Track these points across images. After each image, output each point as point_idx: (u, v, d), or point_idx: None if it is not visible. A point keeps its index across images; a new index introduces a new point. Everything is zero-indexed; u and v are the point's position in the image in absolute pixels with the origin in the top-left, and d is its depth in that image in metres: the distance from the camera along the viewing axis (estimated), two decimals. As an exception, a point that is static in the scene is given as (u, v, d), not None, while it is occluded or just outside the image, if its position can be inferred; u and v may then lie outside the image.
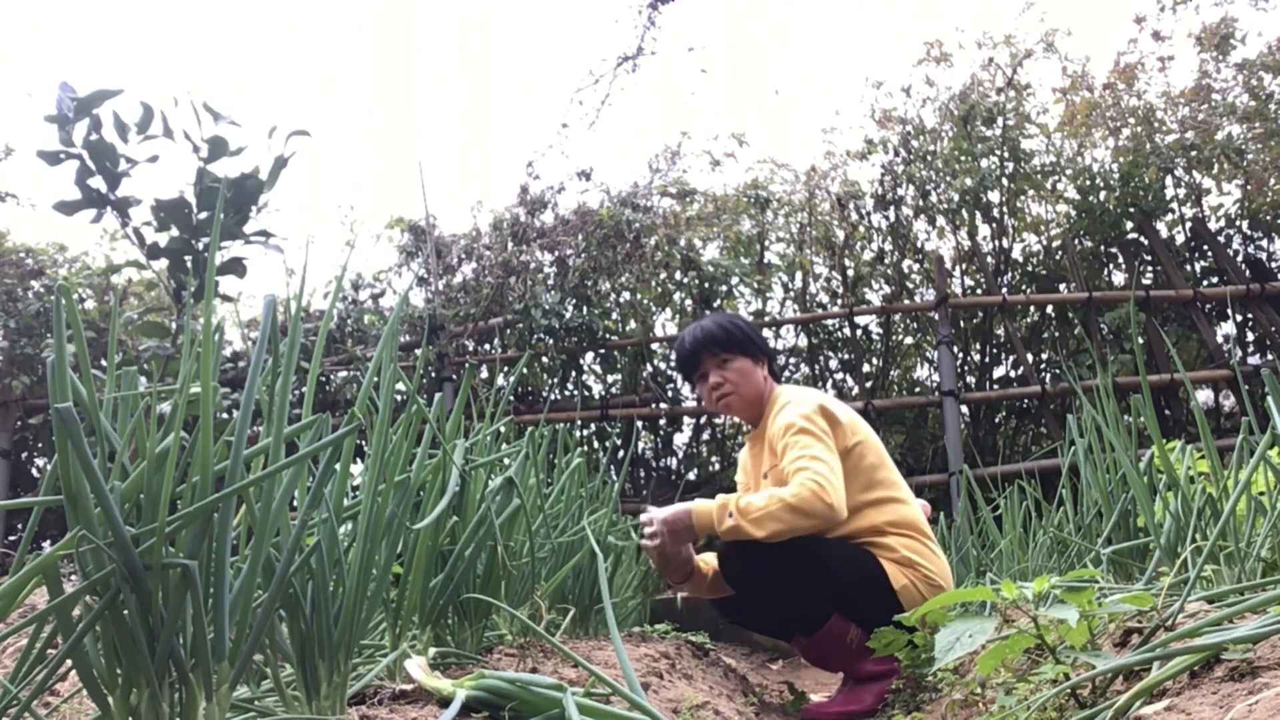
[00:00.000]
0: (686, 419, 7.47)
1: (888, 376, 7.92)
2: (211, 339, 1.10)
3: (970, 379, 7.74)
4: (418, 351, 6.98)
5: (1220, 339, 7.41)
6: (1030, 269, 7.98)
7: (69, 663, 1.05)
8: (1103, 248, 7.83)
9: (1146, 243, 7.66)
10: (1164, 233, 7.80)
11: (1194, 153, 7.54)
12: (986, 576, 3.34)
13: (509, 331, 7.22)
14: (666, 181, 7.70)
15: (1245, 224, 7.83)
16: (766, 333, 7.40)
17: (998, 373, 7.84)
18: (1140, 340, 6.77)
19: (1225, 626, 1.27)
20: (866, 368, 7.78)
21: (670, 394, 7.52)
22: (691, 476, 7.26)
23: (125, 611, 1.04)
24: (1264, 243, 7.88)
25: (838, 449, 2.77)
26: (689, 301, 7.72)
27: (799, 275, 7.80)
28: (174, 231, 4.41)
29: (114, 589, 1.03)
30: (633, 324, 7.69)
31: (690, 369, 3.03)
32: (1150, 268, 7.65)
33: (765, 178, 7.86)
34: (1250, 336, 7.57)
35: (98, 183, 4.28)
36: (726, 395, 2.98)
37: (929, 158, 7.61)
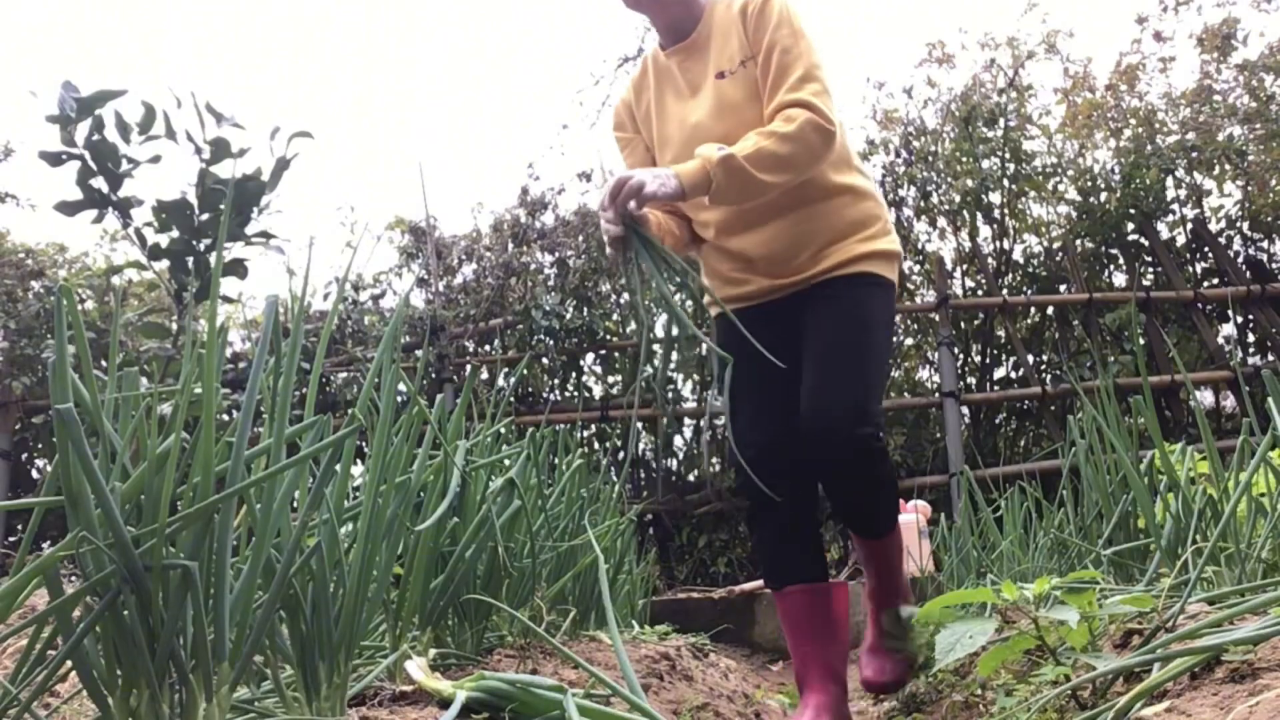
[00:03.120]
0: (687, 420, 7.47)
1: (889, 377, 7.92)
2: (215, 340, 1.10)
3: (971, 380, 7.74)
4: (418, 353, 6.98)
5: (1221, 340, 7.41)
6: (1031, 270, 7.98)
7: (69, 664, 1.05)
8: (1103, 249, 7.83)
9: (1147, 244, 7.66)
10: (1165, 234, 7.80)
11: (1195, 154, 7.54)
12: (987, 578, 3.34)
13: (509, 333, 7.22)
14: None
15: (1246, 225, 7.83)
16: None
17: (998, 374, 7.84)
18: (1141, 341, 6.77)
19: (1226, 628, 1.27)
20: (867, 369, 7.77)
21: (671, 395, 7.52)
22: (691, 478, 7.26)
23: (125, 613, 1.04)
24: (1265, 244, 7.88)
25: None
26: (689, 302, 7.71)
27: (800, 276, 7.79)
28: (175, 233, 4.42)
29: (114, 590, 1.03)
30: (633, 325, 7.69)
31: None
32: (1151, 269, 7.64)
33: (766, 178, 7.85)
34: (1251, 338, 7.57)
35: (99, 183, 4.28)
36: None
37: (930, 159, 7.62)
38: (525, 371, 7.27)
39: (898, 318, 7.75)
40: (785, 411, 2.17)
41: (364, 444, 3.22)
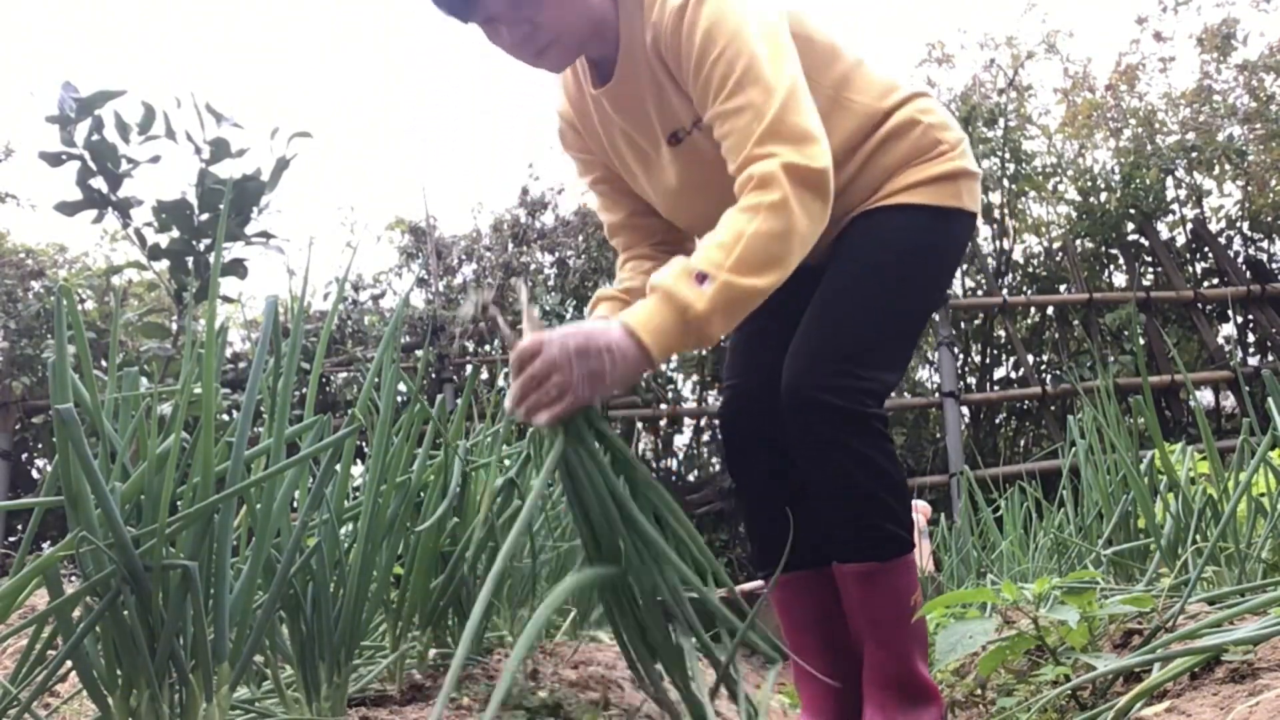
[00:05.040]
0: (687, 420, 7.47)
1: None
2: (214, 340, 1.10)
3: (971, 380, 7.74)
4: (418, 353, 6.99)
5: (1221, 340, 7.42)
6: (1031, 270, 7.98)
7: (69, 664, 1.05)
8: (1103, 249, 7.84)
9: (1147, 244, 7.66)
10: (1165, 234, 7.80)
11: (1195, 154, 7.55)
12: (987, 578, 3.34)
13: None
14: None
15: (1246, 225, 7.84)
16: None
17: (998, 374, 7.84)
18: (1141, 341, 6.78)
19: (1226, 628, 1.27)
20: (867, 369, 7.77)
21: (671, 395, 7.52)
22: (691, 478, 7.26)
23: (125, 613, 1.04)
24: (1265, 244, 7.89)
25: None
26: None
27: (800, 276, 7.80)
28: (175, 233, 4.42)
29: (114, 590, 1.03)
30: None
31: (464, 15, 1.56)
32: (1151, 269, 7.65)
33: (766, 179, 7.86)
34: (1251, 338, 7.57)
35: (99, 183, 4.28)
36: (546, 46, 1.58)
37: (930, 159, 7.62)
38: (525, 371, 7.27)
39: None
40: (778, 358, 1.69)
41: (364, 444, 3.22)
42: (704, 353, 7.61)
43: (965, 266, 7.93)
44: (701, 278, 1.36)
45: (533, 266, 7.44)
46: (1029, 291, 7.76)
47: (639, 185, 1.78)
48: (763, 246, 1.40)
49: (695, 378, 7.75)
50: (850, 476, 1.58)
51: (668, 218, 1.79)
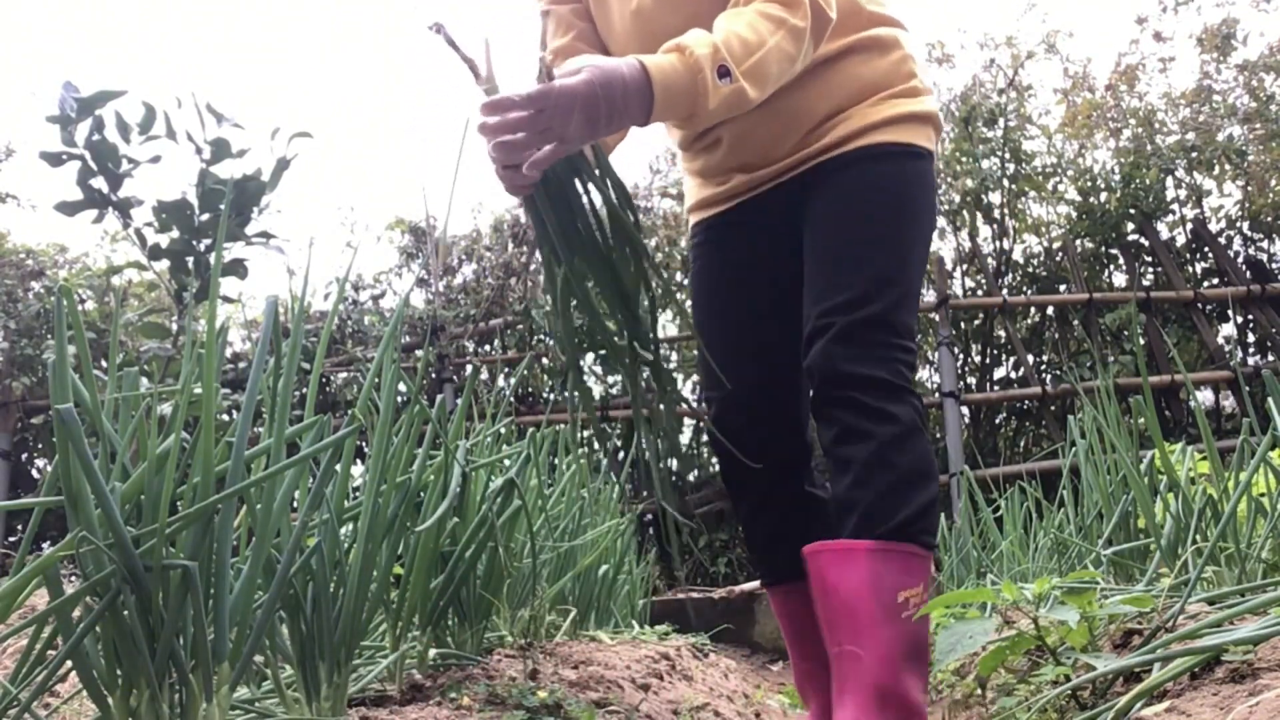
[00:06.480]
0: (687, 420, 7.47)
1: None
2: (214, 340, 1.10)
3: (971, 380, 7.74)
4: (418, 353, 6.99)
5: (1221, 340, 7.42)
6: (1031, 270, 7.98)
7: (69, 664, 1.05)
8: (1103, 249, 7.84)
9: (1147, 244, 7.66)
10: (1165, 234, 7.80)
11: (1195, 154, 7.54)
12: (987, 578, 3.34)
13: (509, 333, 7.22)
14: (667, 183, 7.70)
15: (1246, 225, 7.84)
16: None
17: (998, 374, 7.84)
18: (1141, 341, 6.77)
19: (1226, 628, 1.27)
20: (867, 369, 7.76)
21: (670, 391, 7.51)
22: (691, 478, 7.25)
23: (125, 613, 1.04)
24: (1265, 244, 7.88)
25: None
26: (689, 303, 7.70)
27: (800, 276, 7.79)
28: (175, 233, 4.42)
29: (114, 590, 1.03)
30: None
31: None
32: (1151, 269, 7.65)
33: (766, 179, 7.86)
34: (1251, 338, 7.57)
35: (99, 183, 4.28)
36: None
37: (930, 159, 7.62)
38: (525, 371, 7.27)
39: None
40: (766, 347, 1.65)
41: (364, 444, 3.22)
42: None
43: (965, 266, 7.93)
44: (724, 72, 1.33)
45: (533, 266, 7.44)
46: (1029, 291, 7.76)
47: (605, 11, 1.69)
48: (774, 62, 1.38)
49: (695, 378, 7.74)
50: (879, 447, 1.48)
51: (619, 50, 1.66)
